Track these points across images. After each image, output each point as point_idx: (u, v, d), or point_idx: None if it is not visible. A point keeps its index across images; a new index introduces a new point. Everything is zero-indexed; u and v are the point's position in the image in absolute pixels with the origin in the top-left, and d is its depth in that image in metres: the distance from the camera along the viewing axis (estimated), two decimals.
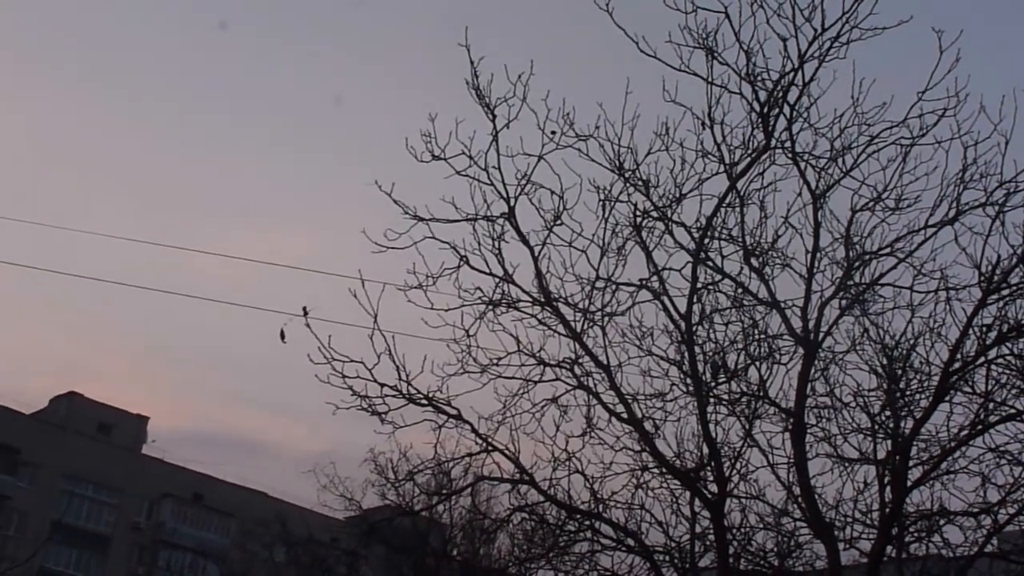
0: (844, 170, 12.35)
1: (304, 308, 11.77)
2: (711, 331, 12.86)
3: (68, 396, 74.25)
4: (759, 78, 12.04)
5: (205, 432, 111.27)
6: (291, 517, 48.41)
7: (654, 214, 12.73)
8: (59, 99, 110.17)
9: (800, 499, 12.40)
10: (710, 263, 12.71)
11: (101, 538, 70.50)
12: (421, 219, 12.52)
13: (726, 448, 12.86)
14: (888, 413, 12.57)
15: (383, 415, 12.57)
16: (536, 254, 12.76)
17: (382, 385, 12.37)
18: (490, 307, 12.81)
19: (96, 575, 69.62)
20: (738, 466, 12.90)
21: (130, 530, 71.65)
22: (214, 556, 66.22)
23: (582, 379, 12.95)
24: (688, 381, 12.73)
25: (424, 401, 12.63)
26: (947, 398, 11.72)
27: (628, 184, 12.69)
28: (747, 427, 12.80)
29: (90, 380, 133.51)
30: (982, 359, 11.43)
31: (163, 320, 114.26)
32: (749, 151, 12.32)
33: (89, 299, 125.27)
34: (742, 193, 12.51)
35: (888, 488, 12.11)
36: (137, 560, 71.06)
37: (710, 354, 12.80)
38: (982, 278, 11.37)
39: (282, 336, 11.80)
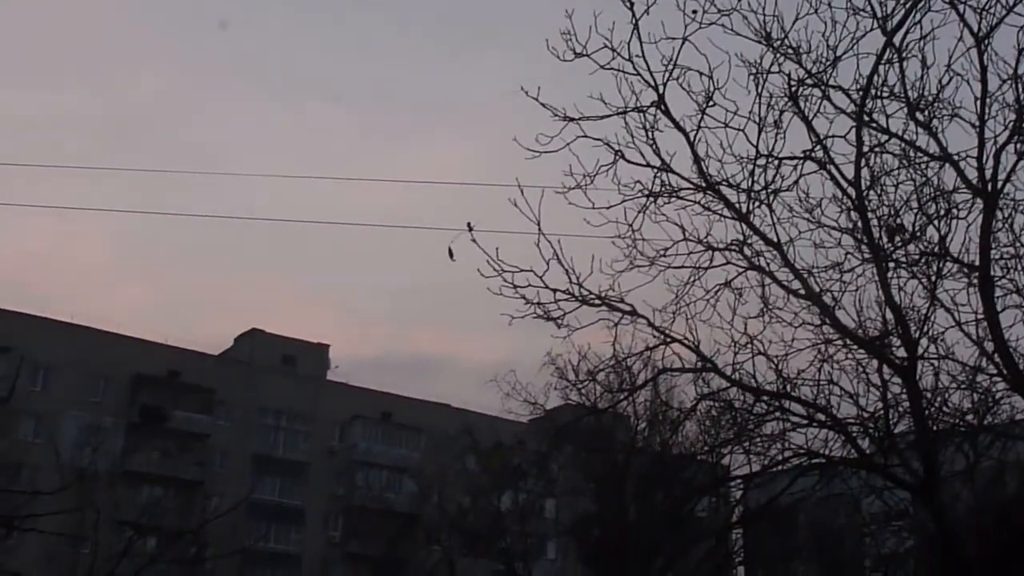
0: (1007, 7, 11.66)
1: (468, 224, 11.81)
2: (883, 194, 12.46)
3: (251, 333, 77.06)
4: None
5: (384, 354, 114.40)
6: (477, 426, 49.56)
7: (809, 81, 12.29)
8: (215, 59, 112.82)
9: (994, 354, 12.02)
10: (874, 124, 12.23)
11: (299, 465, 73.51)
12: (571, 119, 12.32)
13: (911, 312, 12.53)
14: None
15: (558, 320, 12.60)
16: (692, 139, 12.48)
17: (554, 291, 12.38)
18: (651, 199, 12.62)
19: (300, 500, 72.74)
20: (925, 328, 12.57)
21: (326, 454, 74.44)
22: (409, 471, 68.42)
23: (753, 260, 12.72)
24: (864, 248, 12.39)
25: (597, 301, 12.61)
26: None
27: (778, 54, 12.25)
28: (931, 288, 12.43)
29: (269, 316, 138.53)
30: None
31: (330, 251, 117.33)
32: (903, 2, 11.75)
33: (257, 239, 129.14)
34: (900, 47, 11.96)
35: None
36: (336, 482, 73.93)
37: (884, 218, 12.41)
38: None
39: (450, 254, 11.88)
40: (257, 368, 73.26)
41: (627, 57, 12.29)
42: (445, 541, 46.81)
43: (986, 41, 11.75)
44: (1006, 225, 12.17)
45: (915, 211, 12.39)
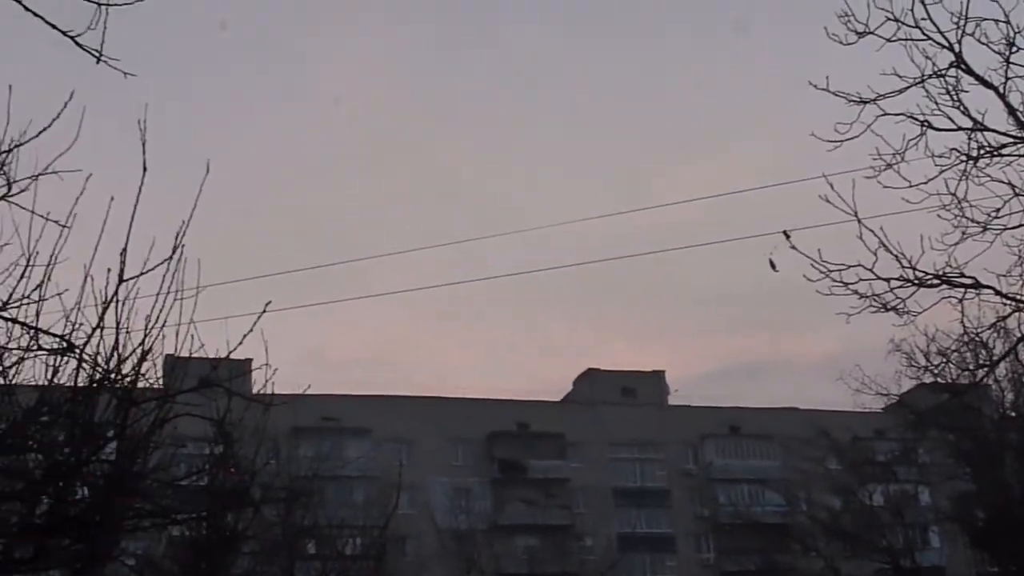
0: None
1: (785, 232, 11.57)
2: None
3: (587, 374, 78.55)
4: None
5: (717, 368, 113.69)
6: (829, 424, 48.21)
7: None
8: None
9: None
10: None
11: (660, 492, 73.93)
12: (867, 101, 11.91)
13: None
14: None
15: (897, 308, 12.11)
16: (1002, 90, 11.74)
17: (887, 280, 11.92)
18: (970, 162, 11.96)
19: (668, 526, 73.02)
20: None
21: (682, 477, 74.52)
22: (769, 480, 67.30)
23: None
24: None
25: (935, 281, 12.02)
26: None
27: None
28: None
29: (602, 353, 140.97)
30: None
31: (644, 279, 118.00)
32: None
33: (571, 282, 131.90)
34: None
35: None
36: (700, 503, 73.75)
37: None
38: None
39: (772, 266, 11.65)
40: (600, 405, 74.46)
41: (913, 24, 11.76)
42: (823, 547, 45.55)
43: None
44: None
45: None
